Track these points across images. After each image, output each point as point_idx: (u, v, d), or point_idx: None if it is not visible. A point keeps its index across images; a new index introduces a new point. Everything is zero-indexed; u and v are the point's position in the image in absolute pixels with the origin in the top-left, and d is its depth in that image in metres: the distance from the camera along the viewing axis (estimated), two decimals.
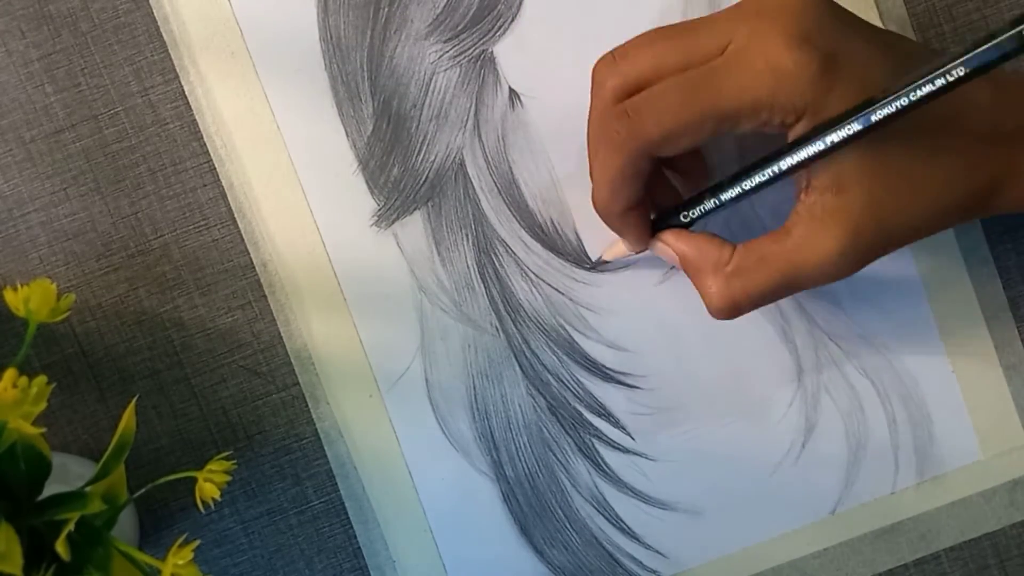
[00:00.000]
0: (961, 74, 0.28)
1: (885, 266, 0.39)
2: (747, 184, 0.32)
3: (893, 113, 0.29)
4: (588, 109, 0.33)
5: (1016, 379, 0.39)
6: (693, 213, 0.34)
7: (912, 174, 0.31)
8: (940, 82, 0.28)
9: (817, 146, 0.30)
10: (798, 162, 0.31)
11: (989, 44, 0.27)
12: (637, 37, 0.32)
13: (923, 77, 0.28)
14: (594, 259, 0.39)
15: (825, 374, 0.39)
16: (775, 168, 0.31)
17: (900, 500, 0.39)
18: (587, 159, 0.34)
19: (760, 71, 0.30)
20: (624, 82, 0.32)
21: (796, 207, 0.32)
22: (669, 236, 0.34)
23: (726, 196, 0.33)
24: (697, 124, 0.30)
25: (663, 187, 0.36)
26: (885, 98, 0.29)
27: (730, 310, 0.33)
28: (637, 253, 0.36)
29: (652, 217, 0.35)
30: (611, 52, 0.32)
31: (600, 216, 0.34)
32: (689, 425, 0.39)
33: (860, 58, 0.30)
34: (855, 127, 0.29)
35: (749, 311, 0.33)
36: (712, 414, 0.39)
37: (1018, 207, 0.33)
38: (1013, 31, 0.27)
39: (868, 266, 0.38)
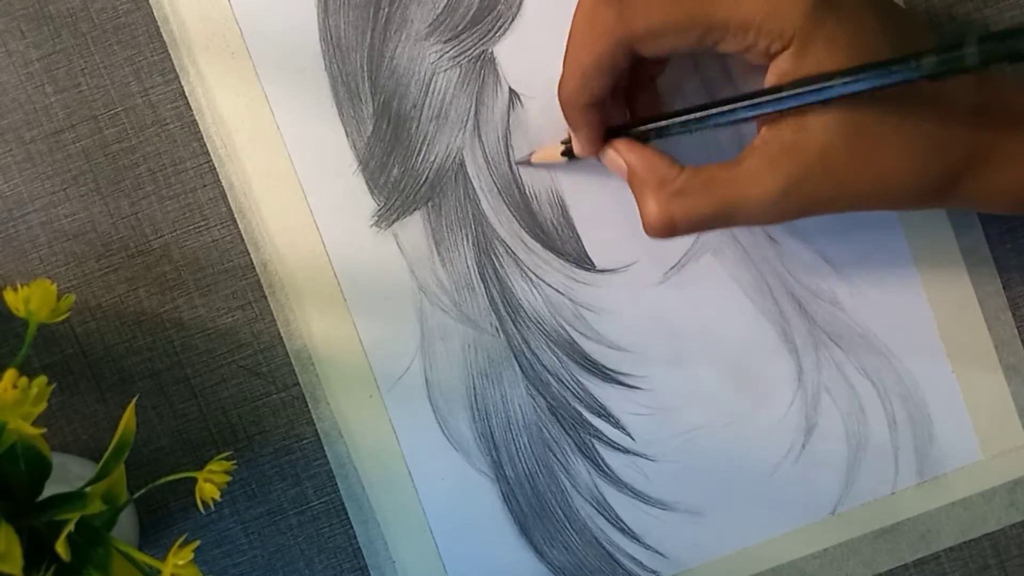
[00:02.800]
0: (927, 71, 0.28)
1: (885, 266, 0.39)
2: (712, 112, 0.32)
3: (877, 85, 0.29)
4: None
5: (1016, 379, 0.39)
6: (651, 133, 0.34)
7: (880, 136, 0.30)
8: (908, 74, 0.28)
9: (793, 97, 0.30)
10: (771, 99, 0.30)
11: (950, 54, 0.27)
12: None
13: (904, 60, 0.28)
14: (519, 159, 0.38)
15: (825, 374, 0.39)
16: (743, 101, 0.31)
17: (900, 500, 0.39)
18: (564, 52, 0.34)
19: None
20: None
21: (754, 140, 0.32)
22: (621, 144, 0.34)
23: (687, 120, 0.33)
24: (684, 26, 0.30)
25: (620, 110, 0.36)
26: (870, 68, 0.29)
27: (665, 228, 0.32)
28: (570, 159, 0.36)
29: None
30: None
31: (562, 106, 0.34)
32: (689, 425, 0.39)
33: (856, 5, 0.30)
34: (837, 87, 0.29)
35: (684, 234, 0.33)
36: (712, 414, 0.39)
37: (978, 201, 0.32)
38: (975, 48, 0.27)
39: (868, 266, 0.38)
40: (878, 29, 0.30)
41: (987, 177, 0.31)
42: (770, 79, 0.31)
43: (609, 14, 0.31)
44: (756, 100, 0.31)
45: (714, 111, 0.32)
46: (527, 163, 0.38)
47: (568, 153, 0.36)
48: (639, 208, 0.33)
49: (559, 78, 0.34)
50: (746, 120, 0.32)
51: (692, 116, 0.33)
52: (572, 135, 0.35)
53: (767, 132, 0.31)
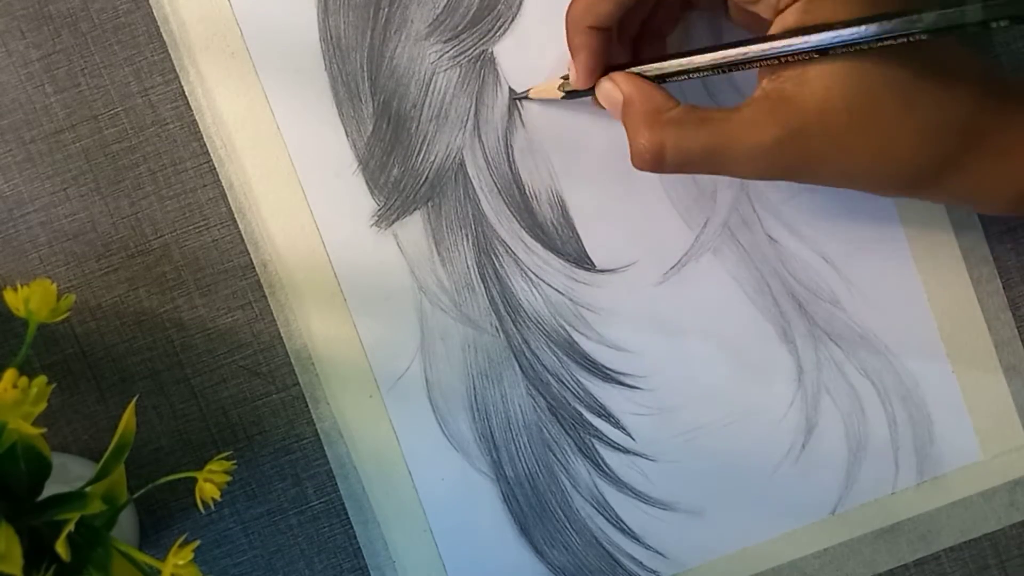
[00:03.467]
0: (932, 24, 0.28)
1: (885, 266, 0.39)
2: (716, 56, 0.32)
3: (885, 35, 0.28)
4: None
5: (1016, 379, 0.39)
6: (651, 72, 0.33)
7: (881, 105, 0.30)
8: (908, 27, 0.28)
9: (798, 42, 0.29)
10: (773, 52, 0.30)
11: (952, 10, 0.27)
12: None
13: (902, 15, 0.28)
14: (517, 94, 0.38)
15: (825, 374, 0.39)
16: (747, 48, 0.31)
17: (900, 500, 0.39)
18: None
19: None
20: None
21: (756, 90, 0.31)
22: (619, 76, 0.34)
23: (688, 63, 0.32)
24: None
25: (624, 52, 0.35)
26: (884, 18, 0.28)
27: (654, 157, 0.32)
28: (568, 94, 0.36)
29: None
30: None
31: (567, 26, 0.34)
32: (689, 425, 0.39)
33: None
34: (842, 35, 0.29)
35: (670, 170, 0.32)
36: (712, 414, 0.39)
37: (971, 193, 0.32)
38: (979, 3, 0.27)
39: (868, 266, 0.38)
40: None
41: (980, 169, 0.31)
42: (774, 30, 0.30)
43: None
44: (758, 47, 0.30)
45: (715, 54, 0.31)
46: (525, 97, 0.38)
47: (566, 90, 0.36)
48: (629, 138, 0.33)
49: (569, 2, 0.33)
50: (747, 65, 0.31)
51: (693, 59, 0.32)
52: (571, 62, 0.34)
53: (768, 83, 0.31)
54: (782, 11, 0.30)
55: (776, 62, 0.30)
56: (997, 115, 0.31)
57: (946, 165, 0.31)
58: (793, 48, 0.30)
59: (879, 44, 0.28)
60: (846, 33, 0.29)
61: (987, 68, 0.31)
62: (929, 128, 0.30)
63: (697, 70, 0.32)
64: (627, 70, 0.34)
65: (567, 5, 0.34)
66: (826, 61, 0.30)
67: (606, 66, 0.34)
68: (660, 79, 0.33)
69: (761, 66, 0.31)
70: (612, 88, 0.34)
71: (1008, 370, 0.39)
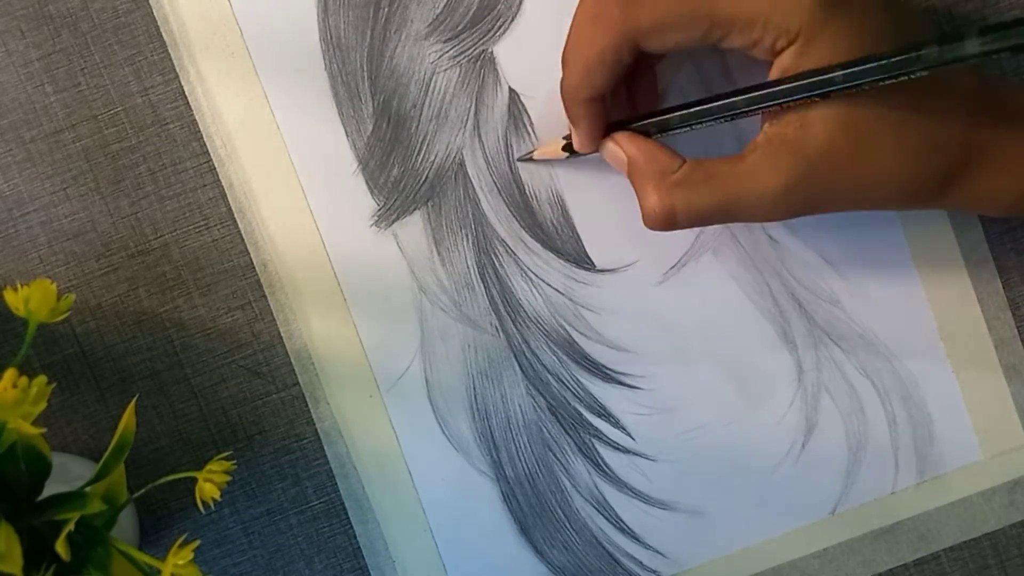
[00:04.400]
0: (932, 61, 0.28)
1: (885, 266, 0.39)
2: (714, 106, 0.32)
3: (878, 77, 0.29)
4: None
5: (1016, 379, 0.39)
6: (653, 128, 0.34)
7: (881, 132, 0.30)
8: (908, 66, 0.28)
9: (796, 88, 0.30)
10: (772, 93, 0.30)
11: (951, 45, 0.28)
12: None
13: (908, 51, 0.28)
14: (521, 156, 0.38)
15: (825, 374, 0.39)
16: (745, 96, 0.31)
17: (900, 500, 0.39)
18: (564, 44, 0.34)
19: None
20: None
21: (757, 136, 0.32)
22: (622, 137, 0.34)
23: (689, 114, 0.32)
24: (690, 21, 0.30)
25: (620, 106, 0.36)
26: (873, 58, 0.29)
27: (666, 219, 0.32)
28: (573, 155, 0.36)
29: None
30: None
31: (564, 99, 0.34)
32: (689, 425, 0.39)
33: (862, 3, 0.30)
34: (839, 79, 0.29)
35: (683, 227, 0.32)
36: (712, 414, 0.39)
37: (974, 203, 0.33)
38: (983, 38, 0.27)
39: (868, 266, 0.38)
40: (884, 28, 0.30)
41: (982, 178, 0.32)
42: (773, 75, 0.31)
43: (614, 9, 0.31)
44: (758, 94, 0.31)
45: (716, 104, 0.32)
46: (529, 160, 0.38)
47: (569, 148, 0.36)
48: (639, 199, 0.33)
49: (561, 72, 0.34)
50: (748, 114, 0.32)
51: (694, 110, 0.33)
52: (572, 130, 0.35)
53: (769, 128, 0.31)
54: (778, 53, 0.30)
55: (778, 108, 0.31)
56: (993, 127, 0.31)
57: (949, 178, 0.31)
58: (793, 97, 0.30)
59: (879, 83, 0.29)
60: (846, 79, 0.29)
61: (980, 78, 0.32)
62: (929, 147, 0.31)
63: (699, 122, 0.33)
64: (629, 129, 0.34)
65: (561, 78, 0.34)
66: (826, 103, 0.30)
67: (606, 125, 0.34)
68: (662, 129, 0.34)
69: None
70: (616, 150, 0.34)
71: (1008, 370, 0.39)
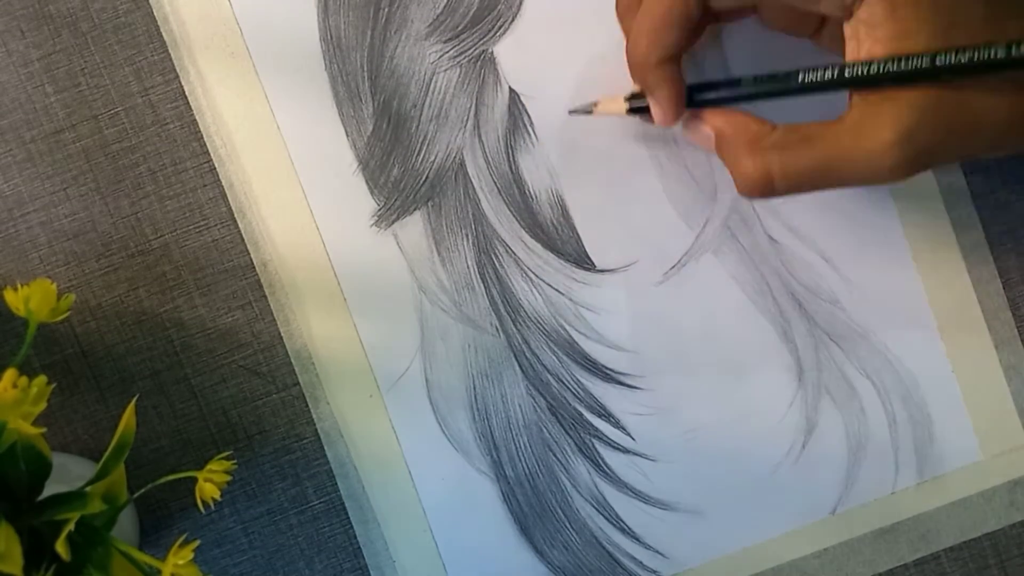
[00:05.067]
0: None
1: (885, 266, 0.39)
2: (803, 77, 0.30)
3: (983, 64, 0.27)
4: None
5: (1016, 379, 0.39)
6: (729, 94, 0.31)
7: (978, 77, 0.28)
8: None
9: (893, 65, 0.28)
10: (867, 75, 0.28)
11: None
12: None
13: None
14: (577, 107, 0.37)
15: (825, 374, 0.39)
16: (839, 70, 0.29)
17: (900, 500, 0.39)
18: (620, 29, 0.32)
19: None
20: None
21: (852, 97, 0.30)
22: (708, 113, 0.32)
23: (772, 83, 0.31)
24: None
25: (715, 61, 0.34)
26: (982, 47, 0.27)
27: (763, 186, 0.30)
28: (638, 114, 0.34)
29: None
30: None
31: (634, 69, 0.32)
32: (689, 425, 0.39)
33: None
34: (940, 61, 0.27)
35: (783, 193, 0.30)
36: (712, 414, 0.39)
37: None
38: None
39: (868, 266, 0.38)
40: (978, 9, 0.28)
41: None
42: (860, 52, 0.29)
43: None
44: (851, 69, 0.29)
45: (811, 75, 0.30)
46: (587, 112, 0.36)
47: (636, 110, 0.34)
48: (731, 168, 0.31)
49: (626, 41, 0.32)
50: (839, 88, 0.30)
51: (774, 78, 0.31)
52: (651, 100, 0.33)
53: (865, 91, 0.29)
54: (852, 5, 0.28)
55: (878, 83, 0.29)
56: None
57: None
58: (904, 69, 0.28)
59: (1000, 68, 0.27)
60: (981, 53, 0.27)
61: None
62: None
63: (785, 93, 0.31)
64: (721, 106, 0.32)
65: (626, 46, 0.32)
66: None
67: (684, 92, 0.32)
68: (741, 100, 0.32)
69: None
70: (701, 125, 0.32)
71: (1008, 370, 0.39)
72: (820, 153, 0.29)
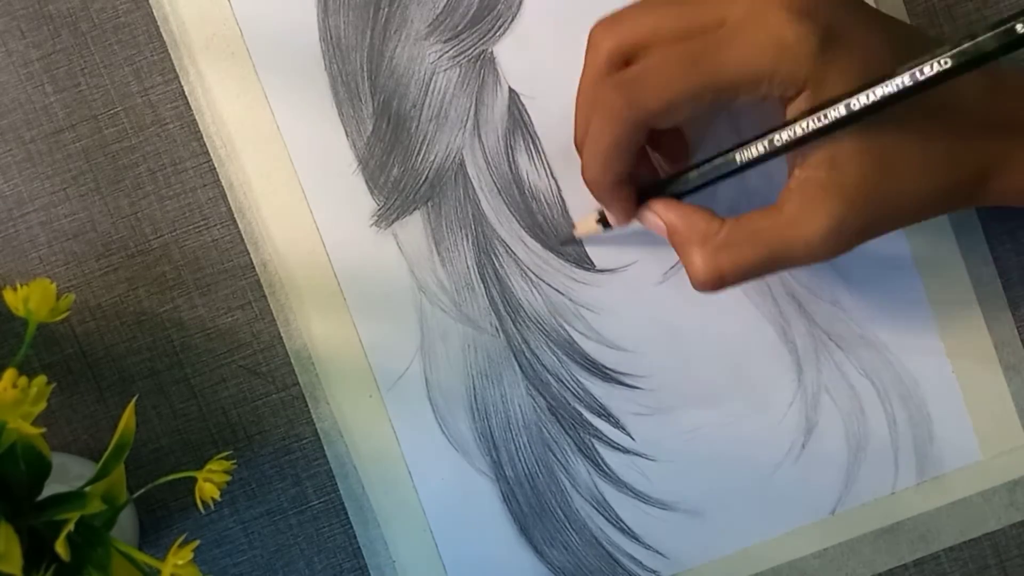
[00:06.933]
0: (948, 66, 0.28)
1: (885, 266, 0.39)
2: (741, 157, 0.32)
3: (892, 95, 0.29)
4: (580, 73, 0.33)
5: (1016, 379, 0.39)
6: (683, 186, 0.34)
7: (906, 155, 0.31)
8: (929, 71, 0.28)
9: (814, 122, 0.30)
10: (795, 138, 0.30)
11: (974, 41, 0.28)
12: (636, 3, 0.32)
13: (919, 63, 0.28)
14: (564, 238, 0.38)
15: (825, 374, 0.39)
16: (769, 142, 0.31)
17: (900, 500, 0.39)
18: (574, 128, 0.34)
19: (762, 43, 0.30)
20: (620, 46, 0.32)
21: (788, 183, 0.32)
22: (659, 205, 0.34)
23: (717, 168, 0.33)
24: (697, 95, 0.30)
25: (645, 162, 0.36)
26: (883, 80, 0.29)
27: (715, 282, 0.32)
28: (610, 230, 0.36)
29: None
30: (609, 16, 0.32)
31: (590, 188, 0.34)
32: (689, 425, 0.39)
33: (860, 35, 0.30)
34: (855, 105, 0.29)
35: (733, 285, 0.32)
36: (712, 414, 0.39)
37: (1005, 199, 0.33)
38: (995, 31, 0.27)
39: (868, 266, 0.38)
40: (888, 54, 0.30)
41: (1007, 177, 0.32)
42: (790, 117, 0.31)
43: (618, 100, 0.31)
44: (780, 135, 0.31)
45: (754, 154, 0.32)
46: (572, 240, 0.38)
47: (605, 222, 0.36)
48: (684, 264, 0.33)
49: (581, 158, 0.34)
50: (776, 156, 0.31)
51: (717, 163, 0.32)
52: (606, 211, 0.35)
53: (800, 173, 0.31)
54: (790, 101, 0.31)
55: (804, 151, 0.31)
56: (1008, 131, 0.32)
57: (977, 182, 0.32)
58: (826, 123, 0.30)
59: (910, 94, 0.29)
60: (896, 83, 0.29)
61: (985, 88, 0.32)
62: (952, 158, 0.31)
63: (730, 174, 0.32)
64: (664, 196, 0.34)
65: (580, 167, 0.34)
66: (847, 135, 0.30)
67: (639, 193, 0.34)
68: (682, 193, 0.34)
69: (789, 154, 0.32)
70: (654, 218, 0.34)
71: (1008, 370, 0.39)
72: (765, 248, 0.32)
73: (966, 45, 0.28)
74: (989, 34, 0.27)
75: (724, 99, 0.31)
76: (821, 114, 0.30)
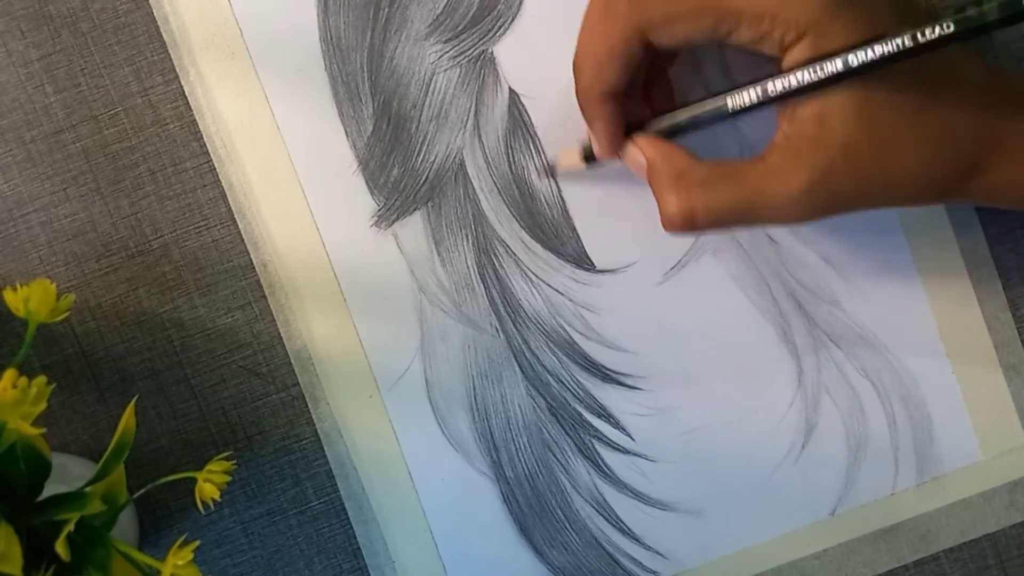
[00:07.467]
0: (950, 30, 0.28)
1: (885, 266, 0.39)
2: (732, 102, 0.32)
3: (891, 54, 0.29)
4: None
5: (1016, 379, 0.39)
6: (670, 123, 0.33)
7: (897, 127, 0.30)
8: (931, 34, 0.28)
9: (810, 73, 0.30)
10: (789, 89, 0.30)
11: (979, 7, 0.28)
12: None
13: (924, 25, 0.28)
14: (550, 166, 0.38)
15: (825, 374, 0.39)
16: (762, 89, 0.31)
17: (900, 501, 0.39)
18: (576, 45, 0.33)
19: None
20: None
21: (775, 135, 0.31)
22: (642, 140, 0.34)
23: (707, 111, 0.32)
24: (699, 12, 0.30)
25: (637, 102, 0.35)
26: (884, 38, 0.29)
27: (685, 220, 0.32)
28: (593, 163, 0.36)
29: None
30: None
31: (578, 98, 0.34)
32: (689, 426, 0.39)
33: None
34: (854, 61, 0.29)
35: (703, 228, 0.32)
36: (712, 414, 0.39)
37: (995, 195, 0.33)
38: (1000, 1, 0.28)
39: (868, 266, 0.38)
40: (894, 19, 0.30)
41: (1001, 169, 0.32)
42: (787, 67, 0.31)
43: (621, 3, 0.31)
44: (773, 88, 0.30)
45: (735, 102, 0.31)
46: (554, 174, 0.38)
47: (589, 157, 0.36)
48: (658, 202, 0.32)
49: (574, 77, 0.33)
50: (768, 105, 0.31)
51: (711, 106, 0.32)
52: (590, 133, 0.34)
53: (788, 127, 0.31)
54: (787, 48, 0.30)
55: (794, 106, 0.30)
56: (1006, 119, 0.31)
57: (968, 169, 0.32)
58: (808, 85, 0.30)
59: (894, 62, 0.29)
60: (860, 55, 0.29)
61: (988, 71, 0.32)
62: (945, 138, 0.31)
63: (714, 119, 0.32)
64: (648, 132, 0.34)
65: (574, 82, 0.33)
66: (841, 94, 0.30)
67: (626, 128, 0.34)
68: (682, 131, 0.33)
69: (780, 106, 0.31)
70: (636, 153, 0.34)
71: (1008, 370, 0.39)
72: (741, 193, 0.31)
73: (971, 12, 0.28)
74: (994, 2, 0.27)
75: (724, 27, 0.30)
76: (817, 66, 0.29)
